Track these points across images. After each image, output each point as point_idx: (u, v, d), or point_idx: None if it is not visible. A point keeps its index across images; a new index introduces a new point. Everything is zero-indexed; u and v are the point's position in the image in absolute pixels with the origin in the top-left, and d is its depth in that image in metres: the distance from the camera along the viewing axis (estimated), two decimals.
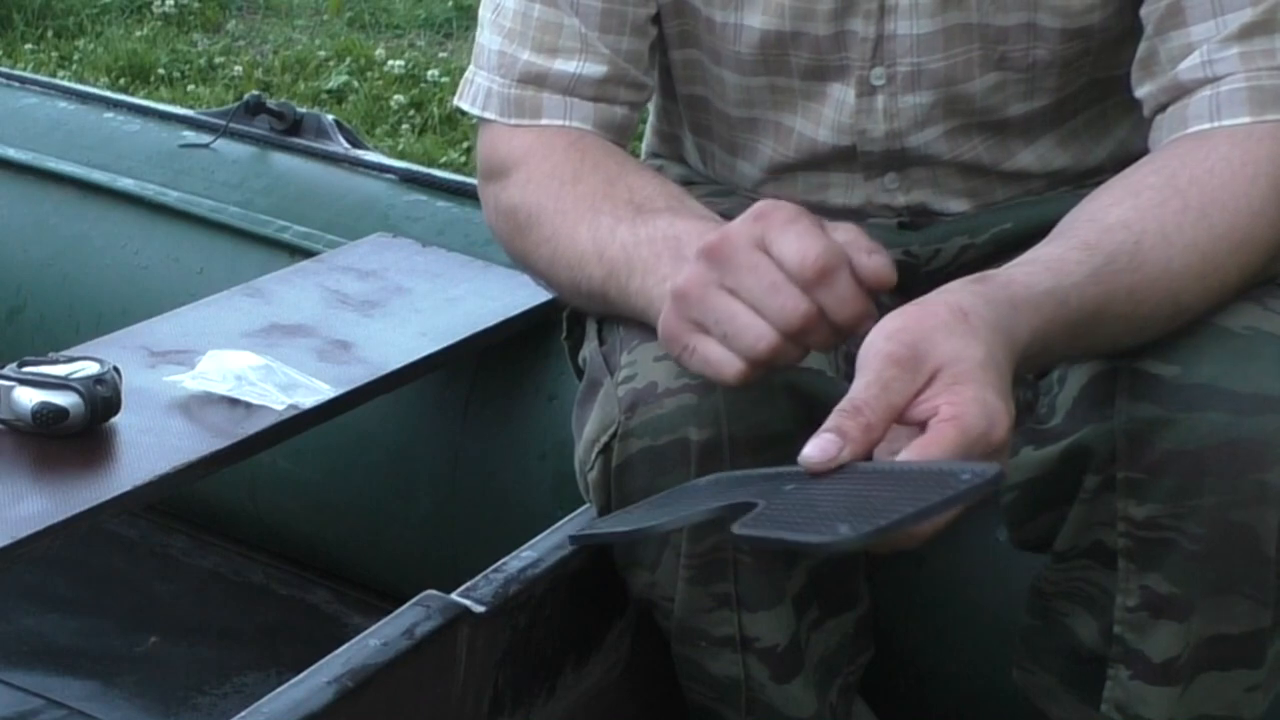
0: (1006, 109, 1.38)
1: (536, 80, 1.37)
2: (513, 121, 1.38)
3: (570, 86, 1.37)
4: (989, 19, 1.33)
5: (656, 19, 1.40)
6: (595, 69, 1.36)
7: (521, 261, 1.40)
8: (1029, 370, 1.14)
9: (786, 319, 1.07)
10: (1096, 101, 1.40)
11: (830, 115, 1.39)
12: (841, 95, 1.38)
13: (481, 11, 1.42)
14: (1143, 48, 1.27)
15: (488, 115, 1.40)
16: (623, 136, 1.40)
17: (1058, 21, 1.32)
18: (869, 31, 1.34)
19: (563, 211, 1.31)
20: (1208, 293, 1.15)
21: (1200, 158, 1.18)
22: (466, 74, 1.43)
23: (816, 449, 0.99)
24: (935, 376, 1.01)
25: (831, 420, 1.00)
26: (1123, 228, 1.14)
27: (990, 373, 1.01)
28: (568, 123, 1.37)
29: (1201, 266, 1.14)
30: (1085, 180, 1.38)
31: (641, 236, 1.23)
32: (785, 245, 1.08)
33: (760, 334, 1.08)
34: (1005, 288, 1.08)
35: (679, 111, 1.51)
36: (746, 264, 1.08)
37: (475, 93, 1.41)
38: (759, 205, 1.11)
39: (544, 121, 1.37)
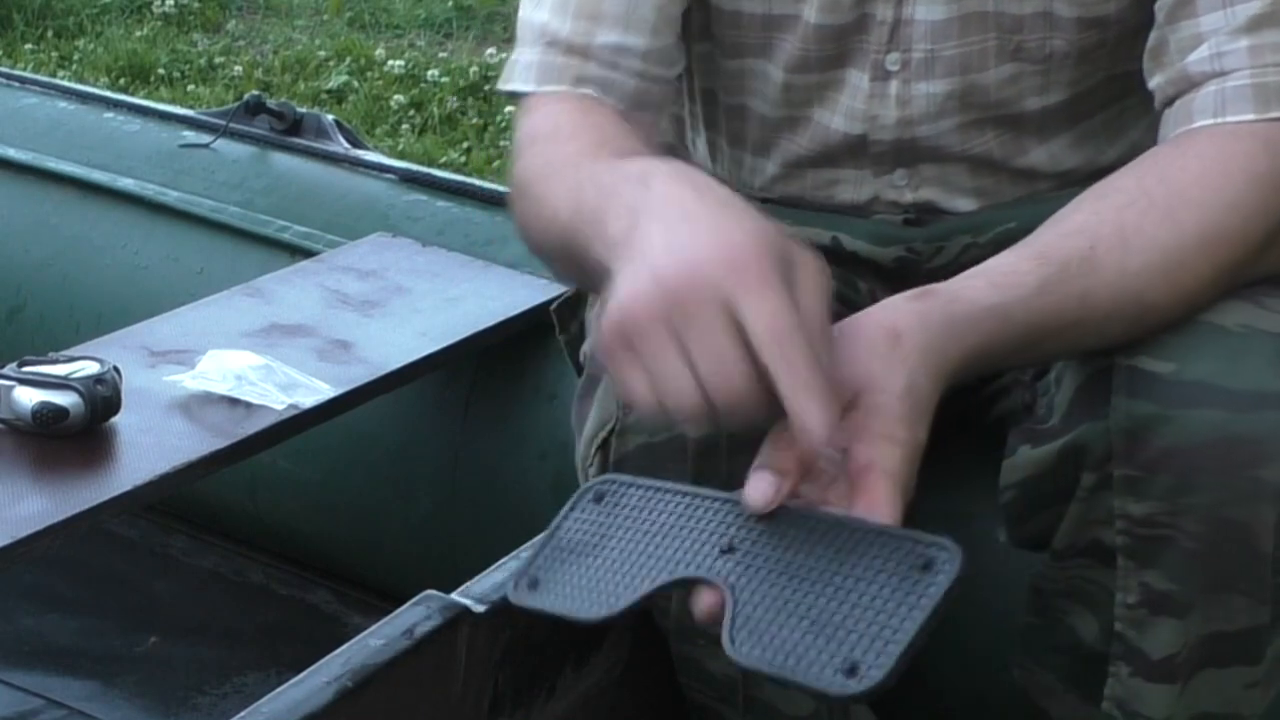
0: (1022, 102, 1.37)
1: (579, 50, 1.33)
2: (545, 89, 1.33)
3: (608, 58, 1.33)
4: (1005, 7, 1.32)
5: (688, 13, 1.39)
6: (636, 41, 1.33)
7: (523, 239, 1.32)
8: (974, 376, 1.13)
9: (725, 403, 0.95)
10: (1115, 100, 1.40)
11: (845, 102, 1.39)
12: (857, 81, 1.38)
13: None
14: (1153, 37, 1.27)
15: (526, 88, 1.35)
16: (645, 111, 1.35)
17: (1074, 10, 1.32)
18: (887, 15, 1.34)
19: (552, 173, 1.22)
20: (1177, 289, 1.14)
21: (1176, 155, 1.18)
22: (510, 58, 1.39)
23: (759, 494, 0.99)
24: (856, 400, 1.01)
25: (767, 455, 1.00)
26: (1079, 233, 1.14)
27: (906, 402, 1.02)
28: (590, 91, 1.32)
29: (1164, 264, 1.13)
30: (1094, 182, 1.38)
31: (618, 175, 1.10)
32: (755, 321, 0.94)
33: (687, 400, 0.96)
34: (946, 306, 1.08)
35: (695, 109, 1.51)
36: (704, 322, 0.94)
37: (514, 70, 1.36)
38: (734, 250, 0.95)
39: (566, 88, 1.32)
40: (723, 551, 1.00)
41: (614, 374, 0.99)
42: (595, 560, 1.05)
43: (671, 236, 0.97)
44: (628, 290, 0.97)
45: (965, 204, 1.42)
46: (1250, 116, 1.18)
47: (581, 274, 1.17)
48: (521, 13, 1.39)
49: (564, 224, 1.15)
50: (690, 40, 1.43)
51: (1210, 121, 1.19)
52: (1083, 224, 1.14)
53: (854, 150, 1.41)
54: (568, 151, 1.24)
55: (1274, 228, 1.16)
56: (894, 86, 1.37)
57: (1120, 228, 1.13)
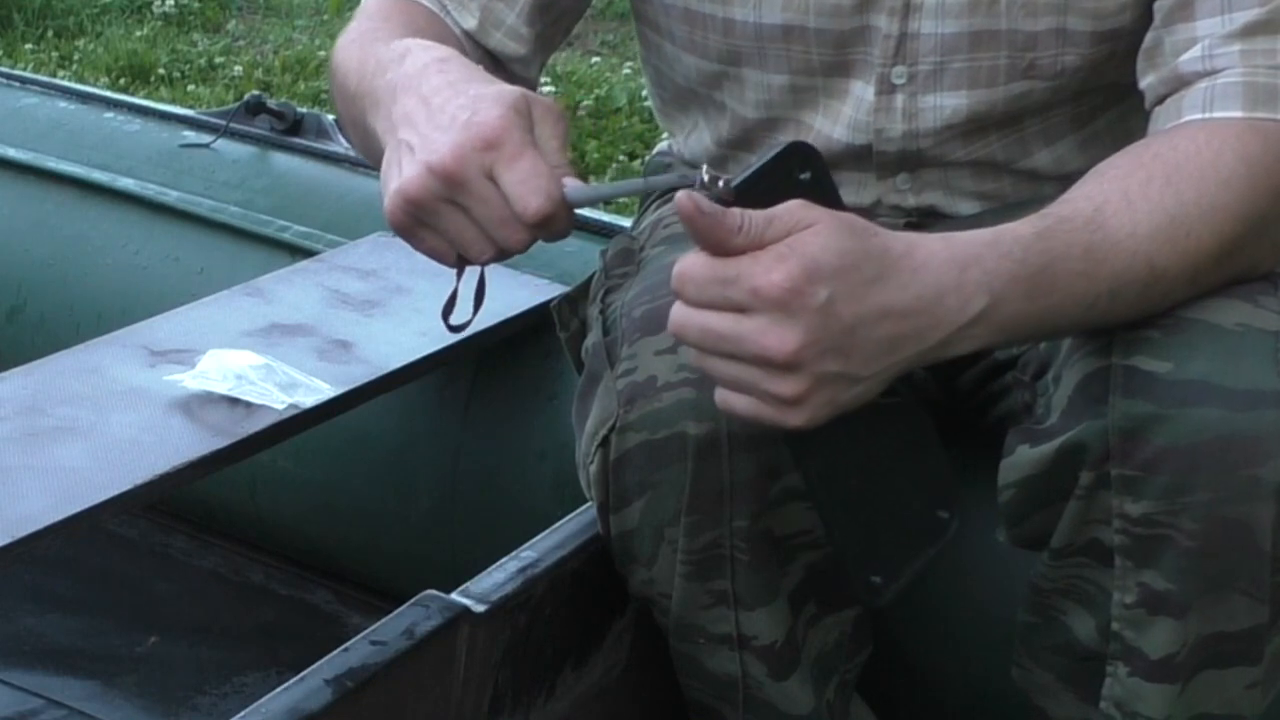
0: (1029, 112, 1.38)
1: None
2: None
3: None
4: (1018, 24, 1.32)
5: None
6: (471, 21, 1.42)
7: (334, 109, 1.44)
8: (1006, 341, 1.13)
9: (511, 247, 1.16)
10: (1118, 101, 1.40)
11: (849, 113, 1.39)
12: (861, 92, 1.38)
13: None
14: (1149, 38, 1.27)
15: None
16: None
17: (1088, 24, 1.32)
18: (892, 29, 1.34)
19: (352, 47, 1.34)
20: (1184, 257, 1.14)
21: (1168, 138, 1.20)
22: None
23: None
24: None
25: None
26: (1084, 199, 1.15)
27: (837, 253, 1.03)
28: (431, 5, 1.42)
29: (1171, 229, 1.14)
30: None
31: (388, 53, 1.26)
32: (512, 187, 1.13)
33: (484, 249, 1.17)
34: (944, 235, 1.10)
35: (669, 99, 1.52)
36: (478, 194, 1.14)
37: None
38: (488, 130, 1.14)
39: None
40: None
41: (407, 241, 1.19)
42: None
43: (433, 122, 1.16)
44: (410, 177, 1.15)
45: (968, 207, 1.43)
46: (1238, 114, 1.19)
47: (365, 141, 1.30)
48: None
49: (351, 93, 1.31)
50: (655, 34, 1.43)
51: (1199, 116, 1.20)
52: (1088, 193, 1.15)
53: (858, 156, 1.41)
54: (372, 30, 1.34)
55: (1267, 210, 1.17)
56: (900, 100, 1.37)
57: (1125, 193, 1.14)
